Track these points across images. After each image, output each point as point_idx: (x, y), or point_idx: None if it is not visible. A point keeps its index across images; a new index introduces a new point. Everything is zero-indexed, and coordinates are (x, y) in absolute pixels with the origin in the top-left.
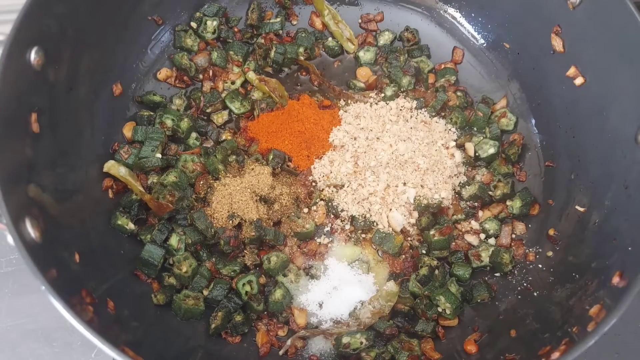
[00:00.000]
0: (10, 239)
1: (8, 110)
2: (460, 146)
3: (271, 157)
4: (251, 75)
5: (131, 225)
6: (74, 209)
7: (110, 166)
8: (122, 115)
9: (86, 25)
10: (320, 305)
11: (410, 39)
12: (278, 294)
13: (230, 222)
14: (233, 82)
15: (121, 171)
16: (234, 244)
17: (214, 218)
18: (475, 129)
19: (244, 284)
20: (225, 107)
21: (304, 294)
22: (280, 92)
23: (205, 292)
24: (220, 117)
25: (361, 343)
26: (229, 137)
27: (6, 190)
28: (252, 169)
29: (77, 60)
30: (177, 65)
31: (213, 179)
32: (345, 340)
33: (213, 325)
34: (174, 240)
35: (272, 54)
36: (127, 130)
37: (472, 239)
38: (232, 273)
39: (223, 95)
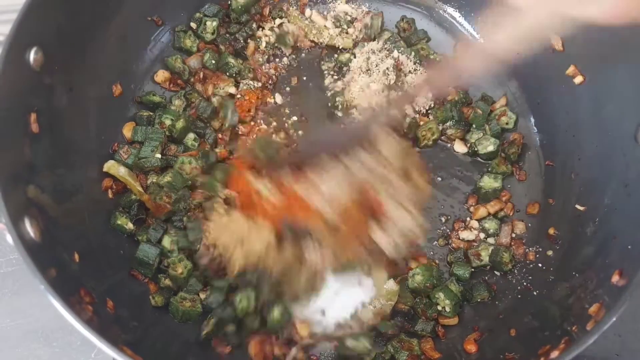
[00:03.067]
0: (9, 239)
1: (7, 110)
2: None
3: None
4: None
5: (130, 225)
6: (73, 209)
7: (110, 166)
8: (121, 115)
9: (86, 26)
10: (323, 313)
11: (406, 29)
12: (276, 312)
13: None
14: (222, 88)
15: (121, 171)
16: (213, 268)
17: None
18: (474, 126)
19: (240, 300)
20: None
21: (305, 306)
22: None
23: (202, 296)
24: (217, 122)
25: (365, 347)
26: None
27: (6, 190)
28: None
29: (77, 60)
30: (171, 68)
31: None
32: (349, 344)
33: (204, 332)
34: (166, 242)
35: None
36: (127, 131)
37: (467, 234)
38: (224, 285)
39: (214, 100)
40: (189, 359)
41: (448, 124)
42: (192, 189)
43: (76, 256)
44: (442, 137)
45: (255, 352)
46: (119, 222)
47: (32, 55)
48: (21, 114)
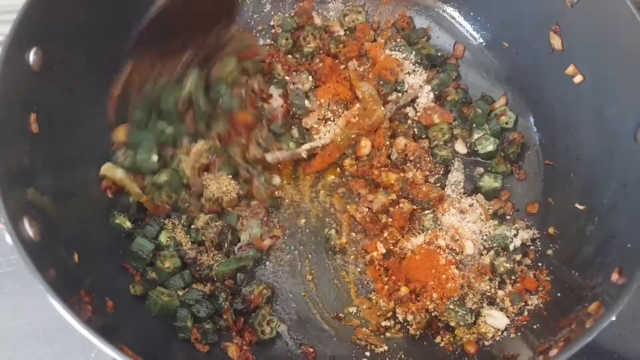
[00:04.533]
0: (8, 239)
1: (7, 110)
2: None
3: None
4: None
5: (128, 224)
6: (73, 209)
7: (107, 169)
8: (121, 115)
9: (85, 26)
10: None
11: (405, 27)
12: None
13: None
14: None
15: (117, 173)
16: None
17: None
18: (474, 125)
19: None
20: None
21: None
22: None
23: (181, 293)
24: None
25: None
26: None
27: (5, 190)
28: None
29: (77, 60)
30: None
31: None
32: None
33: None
34: (163, 238)
35: None
36: (123, 133)
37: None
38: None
39: None
40: (169, 351)
41: (454, 123)
42: None
43: (75, 256)
44: None
45: (237, 355)
46: (117, 221)
47: (31, 56)
48: (21, 114)
